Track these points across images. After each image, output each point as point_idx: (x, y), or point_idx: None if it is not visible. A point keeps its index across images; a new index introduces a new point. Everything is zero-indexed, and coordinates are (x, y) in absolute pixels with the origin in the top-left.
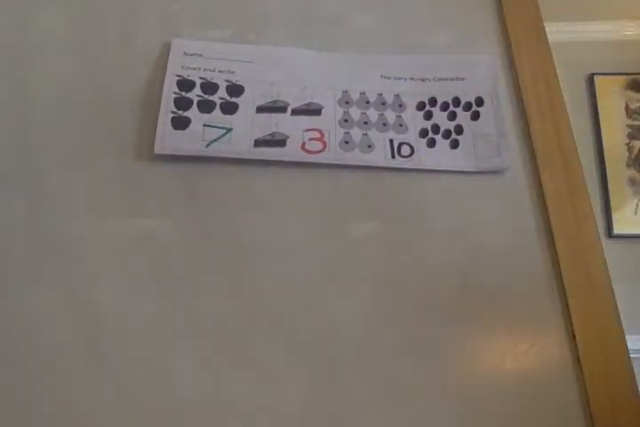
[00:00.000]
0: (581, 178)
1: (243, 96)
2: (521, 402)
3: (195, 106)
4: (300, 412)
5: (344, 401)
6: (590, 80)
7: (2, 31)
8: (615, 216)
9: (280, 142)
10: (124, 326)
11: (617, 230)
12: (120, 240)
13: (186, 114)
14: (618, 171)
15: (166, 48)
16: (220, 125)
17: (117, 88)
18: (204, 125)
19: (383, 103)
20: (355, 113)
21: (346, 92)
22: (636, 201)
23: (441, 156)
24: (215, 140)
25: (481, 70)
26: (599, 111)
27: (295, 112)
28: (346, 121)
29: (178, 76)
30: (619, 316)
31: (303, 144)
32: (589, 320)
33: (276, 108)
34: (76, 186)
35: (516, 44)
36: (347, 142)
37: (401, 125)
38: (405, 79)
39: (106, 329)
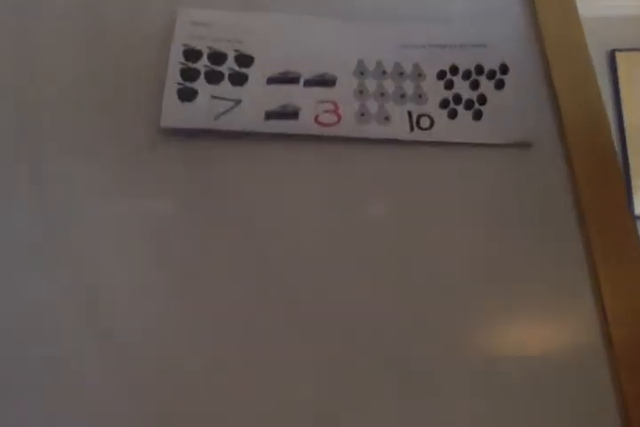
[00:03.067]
0: (612, 150)
1: (252, 67)
2: (548, 387)
3: (202, 77)
4: (313, 400)
5: (358, 389)
6: (612, 56)
7: (3, 12)
8: (637, 197)
9: (292, 115)
10: (129, 312)
11: (638, 211)
12: (127, 223)
13: (193, 85)
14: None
15: (173, 18)
16: (228, 97)
17: (123, 62)
18: (212, 97)
19: (401, 73)
20: (370, 84)
21: (361, 61)
22: None
23: (463, 128)
24: (224, 112)
25: (504, 37)
26: (620, 88)
27: (308, 83)
28: (361, 92)
29: (184, 45)
30: None
31: (316, 117)
32: (621, 302)
33: (288, 79)
34: (80, 166)
35: (542, 7)
36: (362, 115)
37: (420, 96)
38: (425, 47)
39: (111, 316)
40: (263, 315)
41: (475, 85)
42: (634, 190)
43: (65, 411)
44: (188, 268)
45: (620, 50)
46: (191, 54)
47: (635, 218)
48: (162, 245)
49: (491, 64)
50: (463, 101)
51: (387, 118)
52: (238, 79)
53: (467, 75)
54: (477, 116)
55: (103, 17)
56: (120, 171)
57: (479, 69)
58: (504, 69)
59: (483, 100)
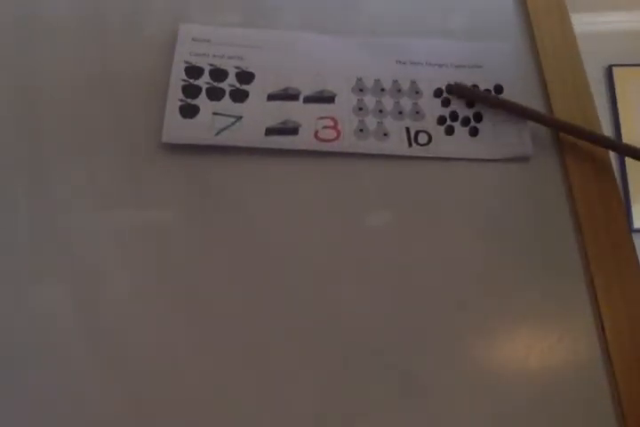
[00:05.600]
0: (608, 163)
1: (253, 83)
2: (549, 400)
3: (203, 93)
4: (312, 412)
5: (357, 402)
6: (609, 72)
7: (3, 15)
8: (635, 209)
9: (292, 131)
10: (129, 316)
11: (638, 225)
12: (126, 233)
13: (194, 102)
14: (637, 163)
15: (174, 34)
16: (229, 113)
17: (123, 75)
18: (214, 114)
19: (399, 90)
20: (369, 101)
21: (360, 79)
22: None
23: (460, 143)
24: (225, 128)
25: (500, 58)
26: (618, 103)
27: (308, 100)
28: (360, 109)
29: (186, 62)
30: None
31: (316, 132)
32: (619, 313)
33: (288, 95)
34: (80, 177)
35: (538, 26)
36: (361, 130)
37: (418, 113)
38: (422, 64)
39: (111, 320)
40: (263, 326)
41: (471, 104)
42: (632, 204)
43: (64, 413)
44: (187, 277)
45: (618, 65)
46: (193, 71)
47: (633, 231)
48: (162, 255)
49: (486, 84)
50: (460, 118)
51: (385, 134)
52: (239, 96)
53: None
54: (474, 132)
55: (105, 30)
56: (120, 183)
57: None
58: (499, 89)
59: (479, 117)
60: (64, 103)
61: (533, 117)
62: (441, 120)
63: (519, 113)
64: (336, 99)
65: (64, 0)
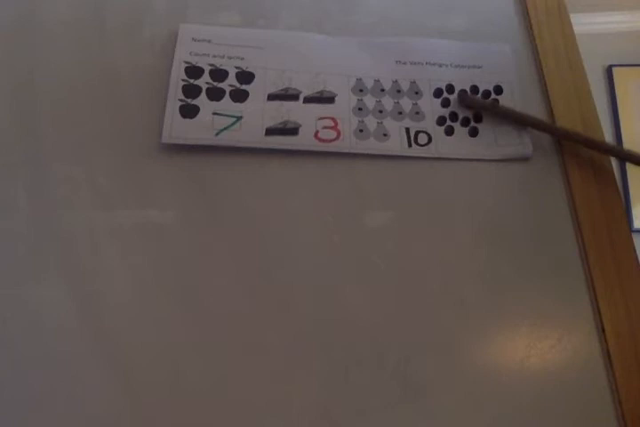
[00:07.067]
0: (608, 164)
1: (253, 83)
2: (549, 400)
3: (203, 93)
4: (312, 412)
5: (357, 402)
6: (609, 72)
7: (3, 16)
8: (635, 210)
9: (292, 131)
10: (129, 316)
11: (638, 225)
12: (126, 233)
13: (194, 102)
14: None
15: (174, 34)
16: (229, 114)
17: (124, 76)
18: (214, 114)
19: (399, 90)
20: (369, 101)
21: (360, 79)
22: None
23: (460, 144)
24: (225, 128)
25: (499, 59)
26: (618, 103)
27: (308, 100)
28: (360, 109)
29: (186, 62)
30: None
31: (316, 133)
32: (619, 313)
33: (288, 95)
34: (80, 176)
35: (538, 27)
36: (361, 131)
37: (417, 113)
38: (422, 64)
39: (111, 320)
40: (263, 326)
41: None
42: (633, 204)
43: (64, 413)
44: (187, 277)
45: (618, 65)
46: (193, 71)
47: (633, 231)
48: (162, 254)
49: (485, 85)
50: (459, 119)
51: (385, 135)
52: (239, 96)
53: None
54: (473, 133)
55: (105, 30)
56: (120, 183)
57: (474, 90)
58: (498, 90)
59: (479, 118)
60: (64, 103)
61: (542, 128)
62: (441, 120)
63: (527, 124)
64: (336, 99)
65: (64, 0)
